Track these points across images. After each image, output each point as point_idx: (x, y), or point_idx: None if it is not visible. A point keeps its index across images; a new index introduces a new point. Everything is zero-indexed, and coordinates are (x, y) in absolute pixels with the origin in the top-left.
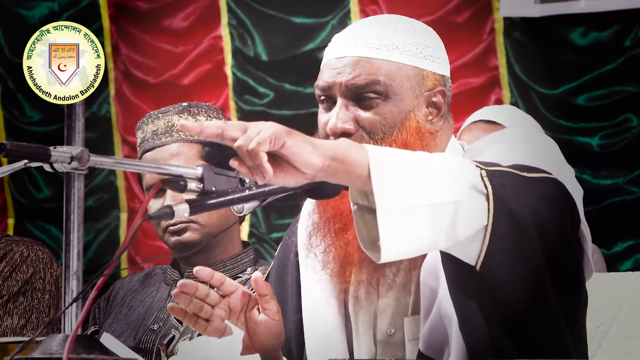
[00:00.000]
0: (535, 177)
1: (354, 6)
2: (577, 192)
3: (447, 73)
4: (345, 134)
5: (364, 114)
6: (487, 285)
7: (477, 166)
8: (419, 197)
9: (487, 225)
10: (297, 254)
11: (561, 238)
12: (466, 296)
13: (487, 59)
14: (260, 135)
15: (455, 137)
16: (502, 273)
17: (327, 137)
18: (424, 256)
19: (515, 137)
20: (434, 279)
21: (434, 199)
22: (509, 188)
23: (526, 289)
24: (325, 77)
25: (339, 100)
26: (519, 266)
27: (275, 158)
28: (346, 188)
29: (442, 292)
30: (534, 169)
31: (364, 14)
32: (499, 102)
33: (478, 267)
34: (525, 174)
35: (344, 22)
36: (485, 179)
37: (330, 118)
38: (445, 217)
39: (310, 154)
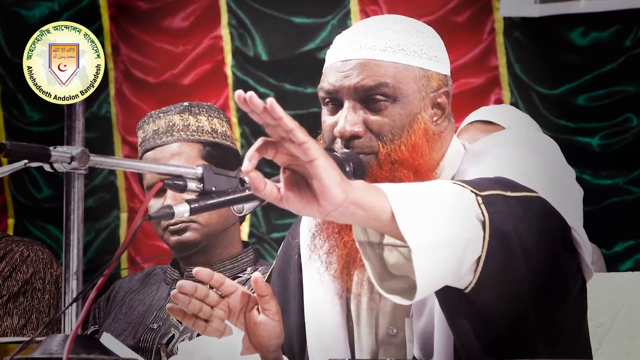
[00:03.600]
0: (519, 196)
1: (354, 6)
2: (577, 194)
3: (449, 72)
4: (354, 137)
5: (373, 117)
6: (476, 306)
7: (472, 191)
8: (441, 234)
9: (481, 254)
10: (300, 255)
11: (545, 256)
12: (457, 315)
13: (487, 59)
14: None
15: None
16: (490, 296)
17: (333, 139)
18: None
19: (515, 141)
20: None
21: (451, 236)
22: (500, 213)
23: (510, 308)
24: (331, 80)
25: (347, 103)
26: (506, 288)
27: (295, 179)
28: None
29: (432, 297)
30: (518, 187)
31: (364, 14)
32: (499, 102)
33: (468, 291)
34: (509, 193)
35: (344, 22)
36: (482, 206)
37: (339, 121)
38: (458, 253)
39: (335, 186)
